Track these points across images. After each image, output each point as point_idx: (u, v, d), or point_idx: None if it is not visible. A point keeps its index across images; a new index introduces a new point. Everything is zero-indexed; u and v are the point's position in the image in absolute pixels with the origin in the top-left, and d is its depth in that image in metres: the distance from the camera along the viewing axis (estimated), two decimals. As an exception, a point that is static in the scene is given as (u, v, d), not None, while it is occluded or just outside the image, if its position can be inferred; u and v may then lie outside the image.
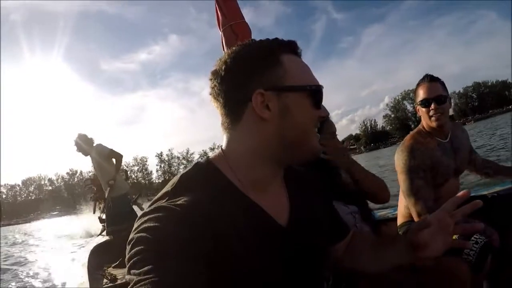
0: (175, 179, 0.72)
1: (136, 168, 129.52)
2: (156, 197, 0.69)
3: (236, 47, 0.76)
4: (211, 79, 0.76)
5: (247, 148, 0.73)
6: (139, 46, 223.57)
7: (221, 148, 0.78)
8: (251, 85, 0.71)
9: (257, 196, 0.73)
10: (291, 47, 0.77)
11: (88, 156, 4.78)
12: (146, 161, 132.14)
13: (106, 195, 4.86)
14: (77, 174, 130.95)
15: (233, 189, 0.71)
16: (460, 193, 0.76)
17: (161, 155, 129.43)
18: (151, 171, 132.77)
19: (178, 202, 0.63)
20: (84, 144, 4.70)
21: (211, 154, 0.79)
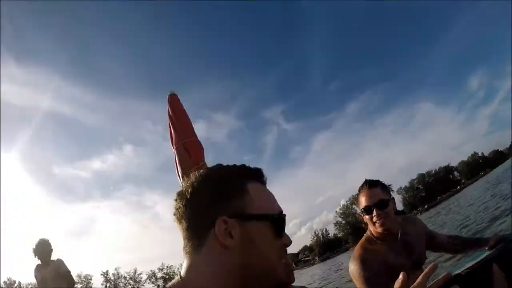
0: None
1: (79, 286, 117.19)
2: None
3: (204, 171, 0.76)
4: (176, 200, 0.75)
5: (209, 277, 0.68)
6: (93, 153, 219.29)
7: (180, 275, 0.72)
8: (215, 211, 0.70)
9: None
10: (257, 175, 0.78)
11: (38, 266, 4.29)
12: (91, 279, 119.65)
13: None
14: (15, 286, 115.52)
15: None
16: (428, 269, 0.88)
17: (107, 274, 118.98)
18: None
19: None
20: (46, 251, 4.30)
21: (169, 283, 0.73)
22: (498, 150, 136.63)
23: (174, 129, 2.65)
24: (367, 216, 1.83)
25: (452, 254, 2.15)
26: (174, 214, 0.75)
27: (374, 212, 1.79)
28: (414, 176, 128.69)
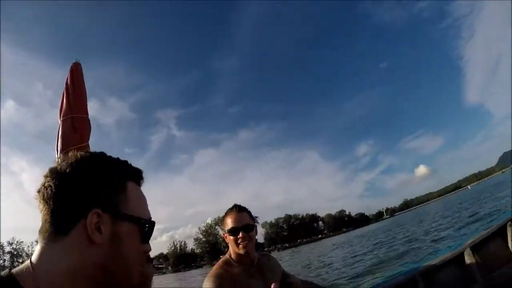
0: None
1: None
2: None
3: (87, 156, 0.72)
4: (47, 177, 0.68)
5: (64, 269, 0.63)
6: None
7: (30, 261, 0.65)
8: (90, 201, 0.66)
9: None
10: (137, 176, 0.77)
11: None
12: None
13: None
14: None
15: None
16: None
17: None
18: None
19: None
20: None
21: (16, 269, 0.65)
22: (364, 214, 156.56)
23: (67, 100, 2.49)
24: (231, 237, 1.94)
25: None
26: (40, 191, 0.68)
27: (240, 234, 1.93)
28: (283, 215, 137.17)
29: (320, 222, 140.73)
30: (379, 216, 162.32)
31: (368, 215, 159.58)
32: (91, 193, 0.67)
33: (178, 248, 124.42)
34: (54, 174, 0.68)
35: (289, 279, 2.22)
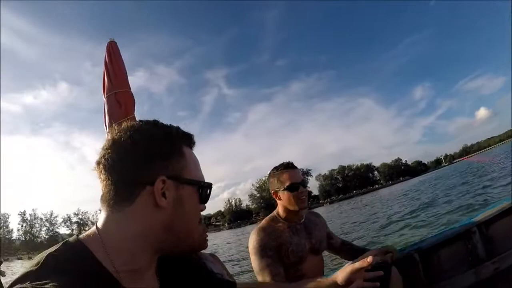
0: (39, 258, 0.62)
1: None
2: (17, 277, 0.59)
3: (141, 124, 0.74)
4: (107, 149, 0.70)
5: (133, 233, 0.68)
6: (26, 86, 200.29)
7: (96, 227, 0.69)
8: (155, 169, 0.69)
9: (130, 284, 0.66)
10: (190, 141, 0.79)
11: None
12: (8, 218, 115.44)
13: None
14: None
15: (106, 276, 0.63)
16: (369, 259, 1.03)
17: (24, 214, 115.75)
18: (12, 229, 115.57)
19: (44, 286, 0.55)
20: None
21: (82, 234, 0.70)
22: (421, 161, 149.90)
23: (108, 77, 2.55)
24: (290, 193, 1.94)
25: (341, 257, 2.29)
26: (100, 163, 0.70)
27: (300, 189, 1.94)
28: (340, 164, 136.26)
29: (376, 172, 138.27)
30: (437, 163, 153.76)
31: (425, 162, 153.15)
32: (154, 161, 0.70)
33: (234, 205, 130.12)
34: (115, 144, 0.70)
35: (332, 240, 2.23)
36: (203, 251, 1.68)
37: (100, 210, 0.71)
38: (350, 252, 2.21)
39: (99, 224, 0.70)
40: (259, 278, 1.84)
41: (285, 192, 1.96)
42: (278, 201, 2.02)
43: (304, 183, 1.98)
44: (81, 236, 0.69)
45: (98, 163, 0.70)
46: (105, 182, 0.69)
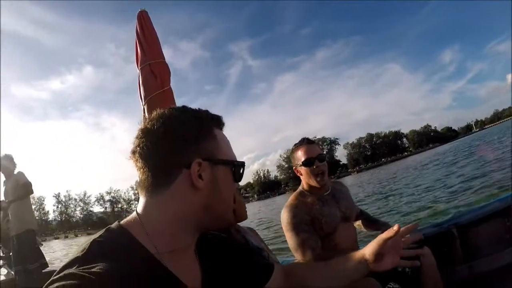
0: (85, 245, 0.65)
1: (33, 207, 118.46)
2: (65, 263, 0.62)
3: (171, 111, 0.77)
4: (140, 138, 0.74)
5: (173, 215, 0.72)
6: (52, 73, 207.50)
7: (136, 212, 0.74)
8: (190, 152, 0.72)
9: (173, 264, 0.70)
10: (220, 122, 0.82)
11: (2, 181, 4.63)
12: (44, 200, 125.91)
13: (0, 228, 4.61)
14: None
15: (149, 258, 0.67)
16: (410, 225, 0.96)
17: (59, 196, 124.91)
18: (48, 211, 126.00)
19: (91, 270, 0.57)
20: (9, 166, 4.50)
21: (124, 220, 0.74)
22: (451, 127, 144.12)
23: (141, 48, 2.48)
24: (306, 168, 1.98)
25: (359, 228, 2.27)
26: (135, 152, 0.74)
27: (315, 164, 1.95)
28: (369, 132, 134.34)
29: (404, 139, 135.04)
30: (467, 129, 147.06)
31: (455, 129, 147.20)
32: (188, 145, 0.73)
33: (262, 176, 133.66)
34: (149, 133, 0.74)
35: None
36: (242, 224, 1.71)
37: (132, 188, 0.75)
38: (369, 222, 2.22)
39: (139, 209, 0.74)
40: (297, 255, 1.85)
41: (303, 168, 2.00)
42: (300, 177, 2.06)
43: (321, 157, 1.98)
44: (122, 221, 0.73)
45: (134, 152, 0.74)
46: (142, 169, 0.73)
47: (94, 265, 0.59)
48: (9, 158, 4.52)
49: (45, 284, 0.57)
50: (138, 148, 0.73)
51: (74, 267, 0.59)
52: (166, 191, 0.72)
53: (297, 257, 1.86)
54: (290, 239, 1.89)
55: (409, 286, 1.71)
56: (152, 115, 0.77)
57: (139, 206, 0.74)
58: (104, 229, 0.72)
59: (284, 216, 1.93)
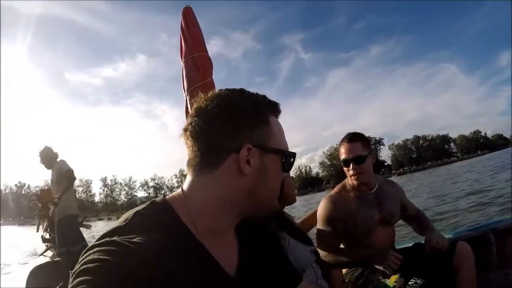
0: (128, 215, 0.67)
1: (80, 189, 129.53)
2: (106, 231, 0.63)
3: (228, 92, 0.75)
4: (193, 116, 0.73)
5: (216, 196, 0.71)
6: (105, 60, 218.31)
7: (182, 189, 0.74)
8: (241, 137, 0.70)
9: (211, 245, 0.70)
10: (276, 109, 0.79)
11: (50, 170, 4.85)
12: (91, 183, 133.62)
13: (50, 213, 4.80)
14: (25, 187, 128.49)
15: (188, 235, 0.67)
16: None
17: (105, 180, 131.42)
18: (94, 193, 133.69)
19: (131, 240, 0.58)
20: (49, 158, 4.77)
21: (168, 195, 0.74)
22: (502, 135, 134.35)
23: (185, 42, 2.60)
24: (345, 168, 1.96)
25: (412, 229, 2.17)
26: (187, 130, 0.73)
27: (351, 166, 1.91)
28: (419, 133, 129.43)
29: (452, 144, 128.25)
30: None
31: (507, 137, 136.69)
32: (240, 128, 0.71)
33: (304, 172, 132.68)
34: (202, 112, 0.72)
35: (406, 212, 2.12)
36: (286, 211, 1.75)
37: (175, 175, 0.74)
38: (419, 228, 2.08)
39: (185, 186, 0.74)
40: (319, 247, 1.89)
41: (342, 165, 1.97)
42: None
43: (358, 160, 1.89)
44: (167, 196, 0.74)
45: (185, 130, 0.74)
46: (192, 148, 0.72)
47: (134, 235, 0.59)
48: (48, 150, 4.82)
49: (86, 249, 0.59)
50: (190, 127, 0.72)
51: (115, 236, 0.60)
52: (213, 172, 0.70)
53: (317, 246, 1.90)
54: (317, 227, 1.96)
55: (441, 283, 1.66)
56: (208, 94, 0.75)
57: (185, 184, 0.74)
58: (149, 201, 0.72)
59: (321, 206, 1.97)
